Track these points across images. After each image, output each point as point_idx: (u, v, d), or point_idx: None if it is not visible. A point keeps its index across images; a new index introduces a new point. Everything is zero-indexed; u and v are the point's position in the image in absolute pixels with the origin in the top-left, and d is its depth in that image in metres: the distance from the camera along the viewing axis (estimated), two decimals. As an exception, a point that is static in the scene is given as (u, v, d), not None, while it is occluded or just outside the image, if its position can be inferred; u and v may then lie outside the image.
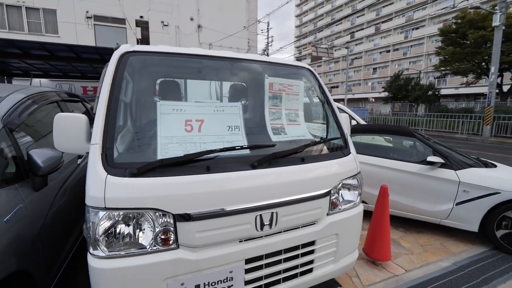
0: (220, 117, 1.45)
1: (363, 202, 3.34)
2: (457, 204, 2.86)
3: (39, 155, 1.63)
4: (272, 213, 1.31)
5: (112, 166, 1.13)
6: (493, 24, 12.24)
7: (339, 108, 6.26)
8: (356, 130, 3.80)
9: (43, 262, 1.62)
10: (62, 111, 2.66)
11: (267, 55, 32.29)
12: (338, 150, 1.70)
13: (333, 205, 1.57)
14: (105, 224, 1.08)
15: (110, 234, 1.09)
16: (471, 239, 3.02)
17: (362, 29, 42.47)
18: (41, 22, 13.44)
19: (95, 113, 1.26)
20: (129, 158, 1.23)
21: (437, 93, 23.44)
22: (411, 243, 2.94)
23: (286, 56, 75.54)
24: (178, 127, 1.33)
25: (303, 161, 1.46)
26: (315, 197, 1.44)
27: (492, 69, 12.57)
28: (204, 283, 1.22)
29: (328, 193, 1.51)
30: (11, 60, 8.46)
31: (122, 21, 14.91)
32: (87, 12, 14.02)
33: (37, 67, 9.31)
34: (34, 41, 7.68)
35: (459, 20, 18.19)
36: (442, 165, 2.94)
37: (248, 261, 1.31)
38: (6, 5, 12.76)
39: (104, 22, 14.55)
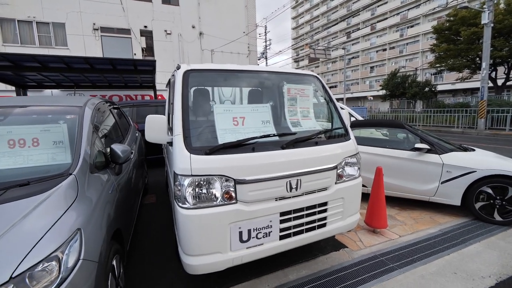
0: (256, 114, 2.02)
1: (364, 186, 3.91)
2: (442, 183, 3.42)
3: (118, 148, 2.20)
4: (297, 179, 1.88)
5: (192, 148, 1.70)
6: (482, 22, 12.86)
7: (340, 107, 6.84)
8: (355, 124, 4.38)
9: (126, 223, 2.18)
10: (114, 116, 3.25)
11: (266, 58, 33.00)
12: (341, 137, 2.27)
13: (339, 177, 2.14)
14: (192, 185, 1.64)
15: (195, 192, 1.66)
16: (455, 213, 3.57)
17: (358, 29, 43.28)
18: (51, 35, 14.09)
19: (173, 114, 1.83)
20: (201, 143, 1.79)
21: (433, 89, 24.03)
22: (405, 217, 3.49)
23: (285, 58, 76.52)
24: (229, 122, 1.90)
25: (316, 144, 2.03)
26: (326, 169, 2.01)
27: (483, 64, 13.15)
28: (253, 228, 1.78)
29: (335, 167, 2.07)
30: (28, 73, 9.08)
31: (127, 31, 15.56)
32: (94, 24, 14.68)
33: (51, 78, 9.93)
34: (54, 55, 8.30)
35: (451, 18, 18.83)
36: (428, 151, 3.50)
37: (282, 214, 1.87)
38: (18, 21, 13.42)
39: (110, 33, 15.20)
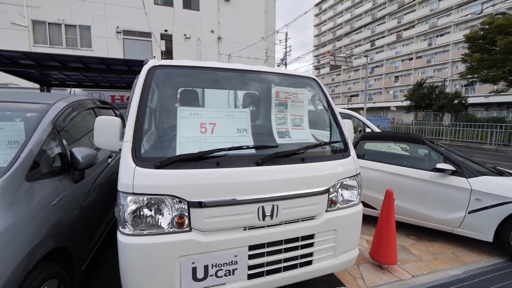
0: (231, 121, 1.66)
1: (373, 208, 3.38)
2: (470, 212, 2.83)
3: (79, 152, 1.93)
4: (273, 205, 1.48)
5: (139, 159, 1.37)
6: (523, 30, 11.64)
7: (351, 116, 6.32)
8: (366, 137, 3.87)
9: (79, 242, 1.89)
10: (97, 116, 3.03)
11: (285, 64, 32.69)
12: (338, 153, 1.85)
13: (332, 203, 1.71)
14: (132, 206, 1.31)
15: (136, 215, 1.32)
16: (486, 250, 2.95)
17: (383, 37, 41.77)
18: (77, 37, 14.77)
19: (127, 117, 1.52)
20: (153, 154, 1.46)
21: (463, 101, 22.36)
22: (421, 250, 2.93)
23: (305, 65, 75.79)
24: (194, 129, 1.55)
25: (303, 161, 1.63)
26: (313, 193, 1.59)
27: (523, 76, 11.86)
28: (212, 264, 1.41)
29: (326, 191, 1.65)
30: (51, 72, 9.45)
31: (148, 34, 15.97)
32: (117, 27, 15.21)
33: (72, 78, 10.28)
34: (72, 54, 8.54)
35: (486, 26, 17.46)
36: (453, 173, 2.93)
37: (251, 247, 1.48)
38: (49, 23, 14.22)
39: (132, 36, 15.67)
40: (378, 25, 44.44)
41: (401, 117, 32.43)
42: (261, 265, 1.52)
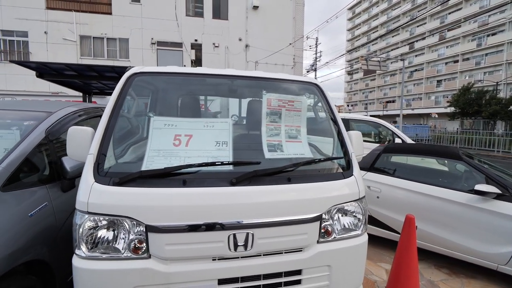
0: (209, 132, 1.48)
1: (397, 232, 2.93)
2: (521, 247, 2.27)
3: (68, 162, 1.90)
4: (248, 233, 1.25)
5: (101, 174, 1.26)
6: None
7: (378, 124, 5.76)
8: (391, 149, 3.41)
9: (62, 256, 1.84)
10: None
11: (315, 70, 31.97)
12: (338, 171, 1.55)
13: (326, 233, 1.42)
14: (87, 227, 1.19)
15: (91, 237, 1.19)
16: (544, 296, 2.33)
17: (423, 38, 38.79)
18: (116, 49, 16.08)
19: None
20: (118, 168, 1.34)
21: (521, 108, 19.55)
22: (455, 289, 2.42)
23: (336, 70, 73.49)
24: (167, 141, 1.40)
25: (289, 181, 1.38)
26: (299, 221, 1.32)
27: None
28: (174, 299, 1.22)
29: (317, 218, 1.37)
30: (90, 81, 10.38)
31: (179, 44, 16.78)
32: (152, 39, 16.23)
33: (109, 86, 11.16)
34: (106, 65, 9.24)
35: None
36: (498, 196, 2.39)
37: (221, 281, 1.26)
38: (93, 37, 15.70)
39: (165, 47, 16.60)
40: (417, 26, 41.47)
41: (444, 124, 29.48)
42: (234, 304, 1.29)
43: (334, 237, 1.44)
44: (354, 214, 1.49)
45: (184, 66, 16.77)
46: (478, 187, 2.41)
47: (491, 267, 2.44)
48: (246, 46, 17.93)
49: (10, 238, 1.42)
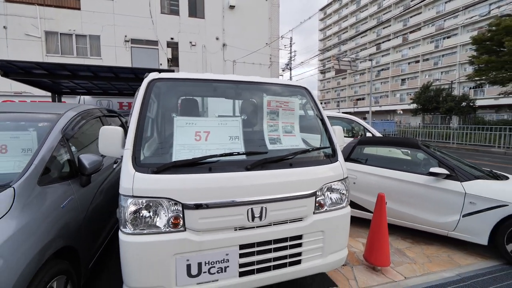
0: (223, 129, 1.79)
1: (370, 211, 3.45)
2: (464, 216, 2.87)
3: (86, 159, 2.09)
4: (262, 207, 1.60)
5: (139, 165, 1.52)
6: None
7: (351, 120, 6.38)
8: (364, 142, 3.95)
9: (85, 241, 2.04)
10: (103, 125, 3.22)
11: (290, 69, 32.90)
12: (327, 158, 1.95)
13: (319, 205, 1.81)
14: (132, 208, 1.45)
15: (135, 216, 1.46)
16: (481, 253, 2.97)
17: (389, 40, 41.59)
18: (87, 47, 15.32)
19: (129, 126, 1.67)
20: (151, 160, 1.60)
21: (472, 104, 22.00)
22: (417, 253, 2.97)
23: (310, 69, 75.84)
24: (190, 137, 1.69)
25: (291, 166, 1.74)
26: (300, 196, 1.70)
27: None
28: (205, 262, 1.53)
29: (313, 194, 1.75)
30: (62, 80, 9.89)
31: (155, 43, 16.42)
32: (125, 36, 15.71)
33: (82, 86, 10.68)
34: (81, 64, 8.91)
35: (493, 28, 17.27)
36: (447, 177, 2.98)
37: (242, 247, 1.59)
38: (60, 34, 14.81)
39: (139, 45, 16.15)
40: (383, 28, 44.32)
41: (408, 120, 32.07)
42: (251, 263, 1.63)
43: (326, 209, 1.83)
44: (339, 191, 1.90)
45: (161, 64, 16.47)
46: (432, 169, 2.99)
47: (443, 234, 3.03)
48: (224, 45, 18.05)
49: (51, 226, 1.62)
